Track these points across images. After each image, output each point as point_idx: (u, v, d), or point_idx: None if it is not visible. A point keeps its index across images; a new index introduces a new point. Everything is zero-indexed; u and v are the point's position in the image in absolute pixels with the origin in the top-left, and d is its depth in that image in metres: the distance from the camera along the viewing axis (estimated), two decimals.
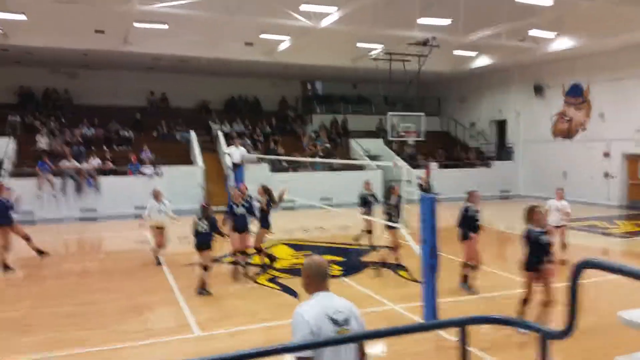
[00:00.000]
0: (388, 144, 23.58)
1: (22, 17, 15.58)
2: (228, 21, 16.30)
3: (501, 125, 25.88)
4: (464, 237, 8.51)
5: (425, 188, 14.36)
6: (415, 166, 19.28)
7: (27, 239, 10.85)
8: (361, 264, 10.68)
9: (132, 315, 7.64)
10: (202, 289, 8.60)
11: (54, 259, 11.12)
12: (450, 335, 5.95)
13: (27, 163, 18.15)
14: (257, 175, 18.87)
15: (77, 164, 18.28)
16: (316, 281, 3.16)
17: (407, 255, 10.00)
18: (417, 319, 7.19)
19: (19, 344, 6.58)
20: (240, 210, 9.70)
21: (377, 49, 20.41)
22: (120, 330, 7.01)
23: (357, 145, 24.11)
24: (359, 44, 19.92)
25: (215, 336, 6.78)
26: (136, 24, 16.45)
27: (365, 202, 12.16)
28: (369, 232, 12.15)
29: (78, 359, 6.13)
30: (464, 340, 2.71)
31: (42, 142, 19.52)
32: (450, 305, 7.59)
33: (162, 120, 23.17)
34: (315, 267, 3.20)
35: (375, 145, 24.49)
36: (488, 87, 25.75)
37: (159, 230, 10.84)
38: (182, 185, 18.30)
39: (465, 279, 8.63)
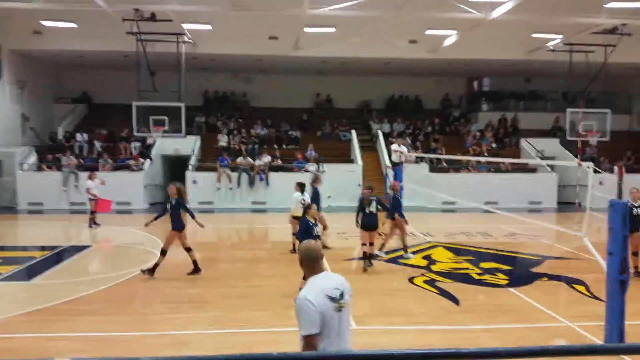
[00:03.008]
0: (566, 144, 21.27)
1: (208, 27, 17.47)
2: (393, 19, 16.19)
3: None
4: None
5: None
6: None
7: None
8: (531, 275, 9.73)
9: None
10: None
11: (227, 244, 12.18)
12: None
13: (209, 158, 20.41)
14: (415, 175, 18.51)
15: (251, 160, 19.99)
16: (311, 265, 3.36)
17: (586, 269, 9.08)
18: (597, 341, 6.27)
19: (194, 318, 7.28)
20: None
21: (555, 39, 18.53)
22: (285, 315, 7.33)
23: (529, 146, 22.21)
24: (534, 35, 18.30)
25: (369, 331, 6.72)
26: (306, 29, 17.28)
27: None
28: None
29: (245, 337, 6.56)
30: None
31: (222, 140, 21.71)
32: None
33: (326, 121, 24.15)
34: (307, 251, 3.40)
35: (551, 145, 22.32)
36: None
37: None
38: (342, 182, 18.87)
39: None
